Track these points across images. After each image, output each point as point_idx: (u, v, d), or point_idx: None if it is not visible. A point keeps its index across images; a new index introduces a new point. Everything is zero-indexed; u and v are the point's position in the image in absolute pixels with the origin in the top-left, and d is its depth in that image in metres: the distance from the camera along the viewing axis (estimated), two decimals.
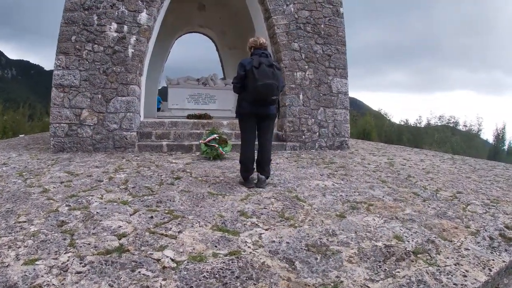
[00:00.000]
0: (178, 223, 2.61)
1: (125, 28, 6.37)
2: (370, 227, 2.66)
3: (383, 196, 3.60)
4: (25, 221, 2.61)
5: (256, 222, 2.68)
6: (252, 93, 3.58)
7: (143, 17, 6.49)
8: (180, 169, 4.78)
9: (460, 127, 22.43)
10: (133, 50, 6.39)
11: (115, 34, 6.32)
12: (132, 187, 3.66)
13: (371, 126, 17.48)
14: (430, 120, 22.71)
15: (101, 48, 6.26)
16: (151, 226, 2.55)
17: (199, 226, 2.57)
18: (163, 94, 14.40)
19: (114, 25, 6.32)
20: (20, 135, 12.79)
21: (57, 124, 6.12)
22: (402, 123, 23.04)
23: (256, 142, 3.93)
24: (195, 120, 7.54)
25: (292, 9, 7.42)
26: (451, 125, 22.44)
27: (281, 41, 7.27)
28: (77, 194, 3.38)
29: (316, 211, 3.04)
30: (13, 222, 2.59)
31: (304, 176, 4.51)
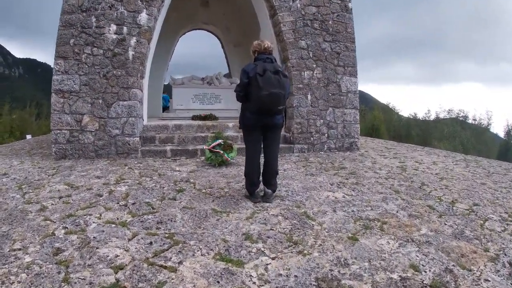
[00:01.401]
0: (179, 251, 2.43)
1: (125, 29, 6.17)
2: (385, 253, 2.47)
3: (397, 211, 3.39)
4: (20, 249, 2.47)
5: (262, 249, 2.49)
6: (256, 103, 3.34)
7: (143, 17, 6.27)
8: (184, 178, 4.61)
9: (470, 121, 22.02)
10: (133, 52, 6.18)
11: (114, 36, 6.12)
12: (132, 203, 3.49)
13: (380, 121, 17.18)
14: (439, 114, 22.32)
15: (101, 51, 6.07)
16: (150, 255, 2.38)
17: (201, 255, 2.39)
18: (170, 92, 14.24)
19: (113, 27, 6.12)
20: (27, 136, 12.75)
21: (58, 131, 5.98)
22: (411, 116, 22.68)
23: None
24: (200, 123, 7.34)
25: (299, 5, 7.14)
26: (461, 118, 22.05)
27: (287, 39, 7.01)
28: (75, 213, 3.22)
29: (327, 232, 2.84)
30: (8, 250, 2.46)
31: (313, 185, 4.30)
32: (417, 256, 2.44)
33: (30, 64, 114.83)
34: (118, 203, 3.51)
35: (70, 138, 6.02)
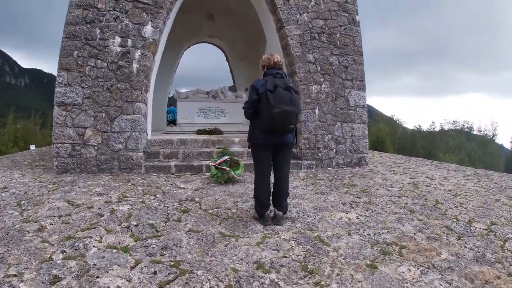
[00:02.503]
0: (186, 283, 2.24)
1: (129, 42, 6.06)
2: (407, 283, 2.29)
3: (415, 233, 3.22)
4: (15, 275, 2.29)
5: (276, 280, 2.30)
6: (267, 121, 3.16)
7: (148, 30, 6.17)
8: (189, 197, 4.42)
9: (475, 132, 21.78)
10: (138, 66, 6.07)
11: (118, 49, 6.01)
12: (135, 225, 3.31)
13: (385, 134, 16.96)
14: (443, 125, 22.11)
15: (105, 63, 5.95)
16: (154, 286, 2.19)
17: (210, 287, 2.20)
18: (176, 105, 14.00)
19: (118, 39, 6.01)
20: (31, 146, 12.61)
21: (60, 144, 5.83)
22: (415, 129, 22.47)
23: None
24: (205, 137, 7.17)
25: (306, 18, 7.04)
26: (466, 130, 21.82)
27: (295, 52, 6.88)
28: (74, 234, 3.04)
29: (343, 259, 2.65)
30: (2, 275, 2.28)
31: (324, 205, 4.10)
32: (441, 284, 2.28)
33: (36, 75, 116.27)
34: (120, 225, 3.32)
35: (72, 152, 5.86)
